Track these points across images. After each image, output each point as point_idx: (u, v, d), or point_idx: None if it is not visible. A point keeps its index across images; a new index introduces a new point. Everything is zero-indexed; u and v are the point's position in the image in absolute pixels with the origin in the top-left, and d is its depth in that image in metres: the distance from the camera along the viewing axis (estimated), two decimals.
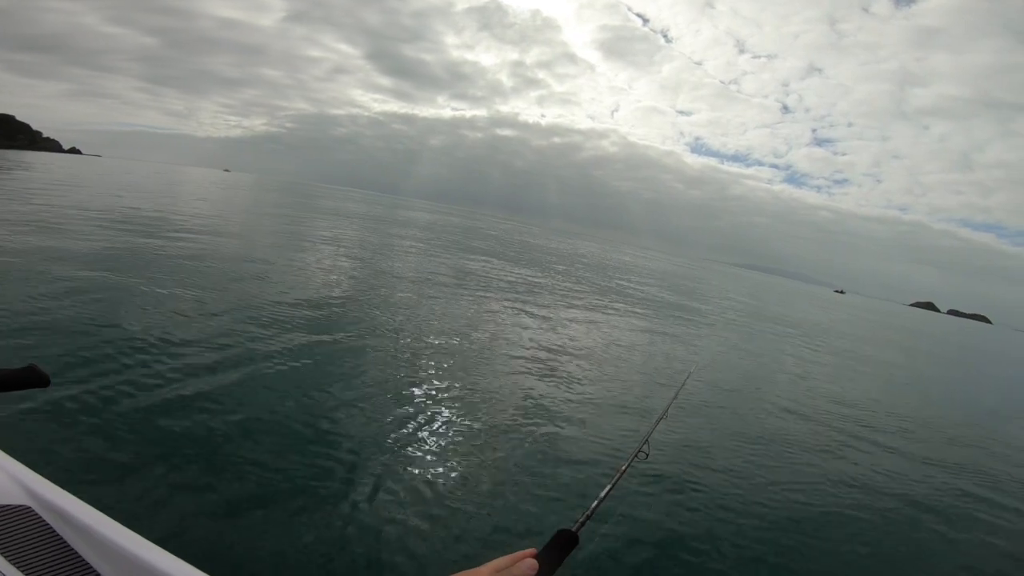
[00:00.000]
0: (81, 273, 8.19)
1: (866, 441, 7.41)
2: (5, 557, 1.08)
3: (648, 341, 12.00)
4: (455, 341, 8.20)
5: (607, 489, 1.43)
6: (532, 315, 11.93)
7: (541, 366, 7.75)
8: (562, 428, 5.52)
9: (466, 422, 5.25)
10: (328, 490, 3.69)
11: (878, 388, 12.99)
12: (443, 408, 5.48)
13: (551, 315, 12.49)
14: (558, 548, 0.89)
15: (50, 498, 1.24)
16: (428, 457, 4.38)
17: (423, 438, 4.72)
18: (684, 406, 6.83)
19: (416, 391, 5.82)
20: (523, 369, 7.43)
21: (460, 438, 4.86)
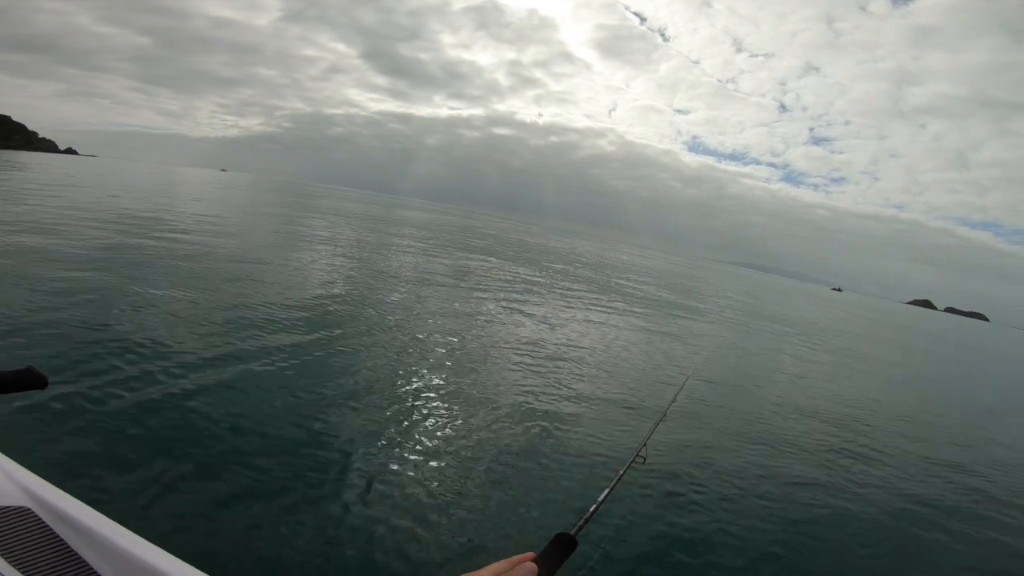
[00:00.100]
0: (78, 274, 8.14)
1: (866, 441, 7.38)
2: (5, 558, 1.08)
3: (646, 341, 11.98)
4: (451, 342, 8.16)
5: (606, 492, 1.41)
6: (530, 315, 11.91)
7: (539, 366, 7.72)
8: (560, 430, 5.48)
9: (463, 424, 5.21)
10: (324, 491, 3.67)
11: (877, 387, 13.00)
12: (439, 410, 5.44)
13: (549, 315, 12.46)
14: (557, 551, 0.89)
15: (49, 499, 1.24)
16: (425, 459, 4.34)
17: (419, 440, 4.68)
18: (682, 408, 6.77)
19: (412, 392, 5.78)
20: (521, 370, 7.39)
21: (457, 440, 4.82)
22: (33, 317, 5.97)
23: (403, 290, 11.87)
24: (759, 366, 12.16)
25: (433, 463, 4.29)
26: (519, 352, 8.31)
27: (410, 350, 7.30)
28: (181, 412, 4.39)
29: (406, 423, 4.96)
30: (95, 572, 1.13)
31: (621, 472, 1.61)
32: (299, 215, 31.74)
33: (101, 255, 9.90)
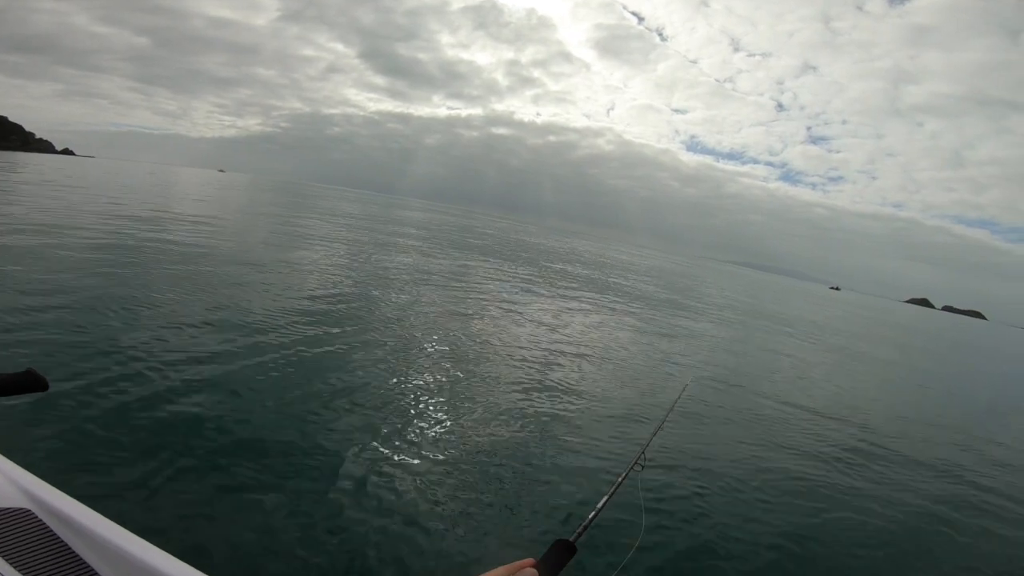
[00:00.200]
0: (77, 276, 8.12)
1: (867, 444, 7.34)
2: (6, 559, 1.09)
3: (646, 342, 11.96)
4: (448, 345, 8.14)
5: (605, 499, 1.39)
6: (529, 317, 11.89)
7: (538, 369, 7.70)
8: (560, 434, 5.44)
9: (460, 428, 5.18)
10: (320, 494, 3.66)
11: (877, 388, 13.01)
12: (437, 414, 5.41)
13: (547, 316, 12.45)
14: (557, 557, 0.90)
15: (50, 501, 1.25)
16: (422, 463, 4.31)
17: (417, 444, 4.65)
18: (682, 412, 6.73)
19: (409, 395, 5.75)
20: (520, 372, 7.37)
21: (455, 444, 4.78)
22: (33, 320, 5.97)
23: (399, 291, 11.84)
24: (758, 367, 12.15)
25: (431, 467, 4.26)
26: (518, 354, 8.28)
27: (406, 353, 7.27)
28: (181, 413, 4.41)
29: (404, 426, 4.93)
30: (95, 573, 1.14)
31: (621, 478, 1.60)
32: (297, 216, 31.68)
33: (100, 257, 9.85)
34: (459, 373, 6.78)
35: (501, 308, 12.05)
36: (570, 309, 14.07)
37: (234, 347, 6.15)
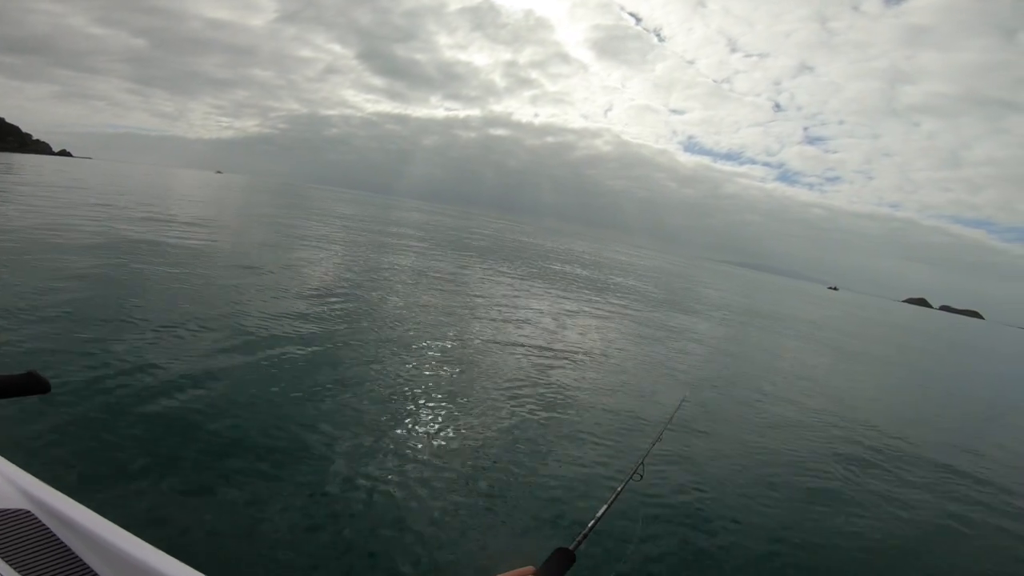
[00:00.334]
0: (78, 279, 8.11)
1: (867, 449, 7.30)
2: (5, 561, 1.09)
3: (645, 345, 11.96)
4: (444, 349, 8.11)
5: (605, 507, 1.40)
6: (525, 320, 11.88)
7: (535, 372, 7.67)
8: (559, 441, 5.39)
9: (459, 433, 5.15)
10: (318, 498, 3.64)
11: (878, 389, 13.03)
12: (435, 419, 5.37)
13: (545, 320, 12.44)
14: (557, 566, 0.90)
15: (50, 502, 1.25)
16: (421, 471, 4.27)
17: (415, 452, 4.62)
18: (681, 420, 6.58)
19: (405, 401, 5.72)
20: (517, 376, 7.34)
21: (453, 452, 4.74)
22: (34, 322, 6.00)
23: (394, 294, 11.83)
24: (758, 370, 12.16)
25: (429, 475, 4.22)
26: (515, 359, 8.26)
27: (401, 357, 7.24)
28: (182, 415, 4.45)
29: (401, 433, 4.90)
30: (95, 574, 1.14)
31: (620, 488, 1.61)
32: (294, 217, 31.65)
33: (100, 259, 9.82)
34: (456, 378, 6.76)
35: (498, 311, 12.04)
36: (568, 311, 14.06)
37: (233, 349, 6.15)
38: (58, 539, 1.19)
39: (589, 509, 3.92)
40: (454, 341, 8.41)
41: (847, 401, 10.06)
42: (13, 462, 1.38)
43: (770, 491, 5.19)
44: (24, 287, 7.21)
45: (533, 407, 6.15)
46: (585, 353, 9.42)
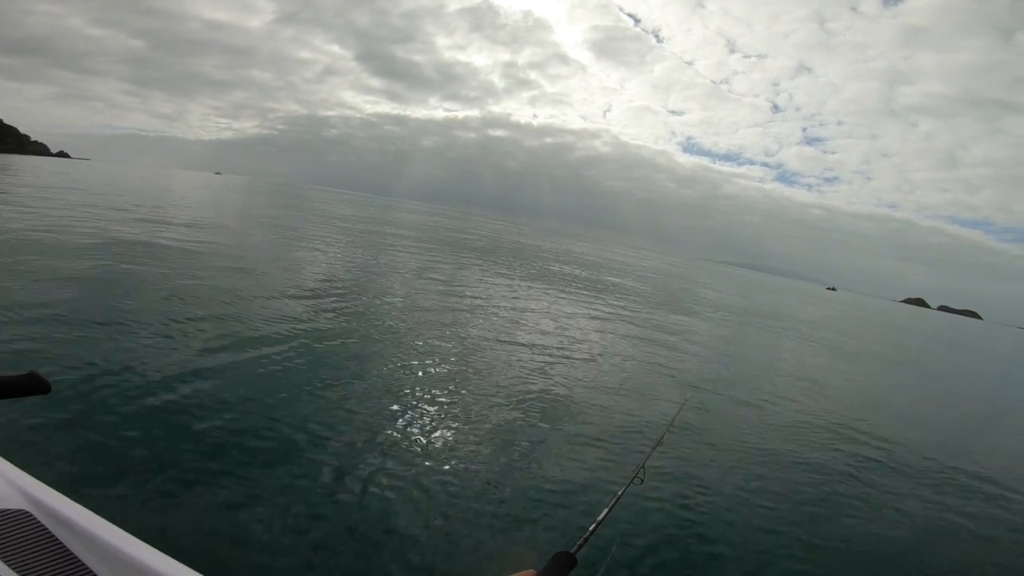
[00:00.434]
0: (78, 280, 8.10)
1: (867, 450, 7.26)
2: (4, 561, 1.09)
3: (645, 347, 11.94)
4: (443, 351, 8.10)
5: (605, 512, 1.40)
6: (525, 321, 11.87)
7: (535, 375, 7.65)
8: (560, 445, 5.36)
9: (459, 435, 5.13)
10: (317, 500, 3.63)
11: (878, 390, 13.04)
12: (434, 422, 5.35)
13: (544, 320, 12.43)
14: (557, 569, 0.91)
15: (49, 503, 1.25)
16: (421, 473, 4.25)
17: (415, 453, 4.60)
18: (682, 424, 6.51)
19: (404, 403, 5.70)
20: (517, 378, 7.32)
21: (453, 454, 4.72)
22: (34, 322, 6.00)
23: (392, 295, 11.82)
24: (758, 371, 12.16)
25: (426, 478, 4.19)
26: (514, 361, 8.25)
27: (399, 359, 7.22)
28: (183, 415, 4.45)
29: (401, 435, 4.88)
30: (94, 575, 1.14)
31: (621, 491, 1.61)
32: (293, 218, 31.63)
33: (100, 260, 9.79)
34: (454, 379, 6.74)
35: (496, 312, 12.03)
36: (567, 313, 14.05)
37: (233, 349, 6.15)
38: (57, 539, 1.19)
39: (590, 512, 3.90)
40: (452, 342, 8.40)
41: (846, 401, 10.06)
42: (12, 462, 1.38)
43: (771, 493, 5.17)
44: (23, 288, 7.19)
45: (532, 409, 6.12)
46: (584, 354, 9.41)
